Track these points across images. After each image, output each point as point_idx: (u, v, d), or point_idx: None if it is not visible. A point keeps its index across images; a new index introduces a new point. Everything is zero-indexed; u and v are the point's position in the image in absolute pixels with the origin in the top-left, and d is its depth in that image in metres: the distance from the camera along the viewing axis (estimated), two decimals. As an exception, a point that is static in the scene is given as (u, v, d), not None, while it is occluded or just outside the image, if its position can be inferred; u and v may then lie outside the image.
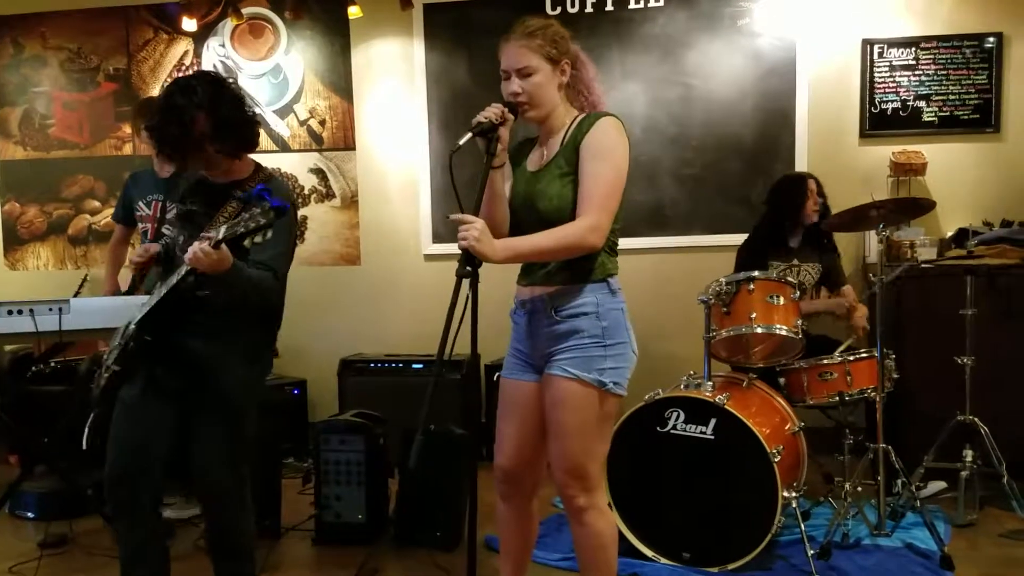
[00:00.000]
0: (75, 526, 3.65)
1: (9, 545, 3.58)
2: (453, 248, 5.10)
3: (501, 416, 2.38)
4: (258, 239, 2.18)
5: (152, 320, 2.45)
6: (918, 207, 3.51)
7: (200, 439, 2.52)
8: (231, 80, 2.55)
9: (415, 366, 4.68)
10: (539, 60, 2.20)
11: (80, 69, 5.44)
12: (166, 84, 2.61)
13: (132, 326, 2.48)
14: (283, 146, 5.30)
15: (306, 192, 5.29)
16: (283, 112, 5.28)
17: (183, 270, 2.33)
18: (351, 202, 5.27)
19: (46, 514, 3.81)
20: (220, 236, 2.19)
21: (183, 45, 5.33)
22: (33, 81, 5.49)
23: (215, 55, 5.31)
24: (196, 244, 2.21)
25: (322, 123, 5.25)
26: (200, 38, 5.29)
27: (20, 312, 4.50)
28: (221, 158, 2.50)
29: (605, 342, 2.20)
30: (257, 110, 2.59)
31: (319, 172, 5.28)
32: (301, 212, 5.29)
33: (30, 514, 3.92)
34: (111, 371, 2.48)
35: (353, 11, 4.91)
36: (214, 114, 2.42)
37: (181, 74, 5.30)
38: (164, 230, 2.71)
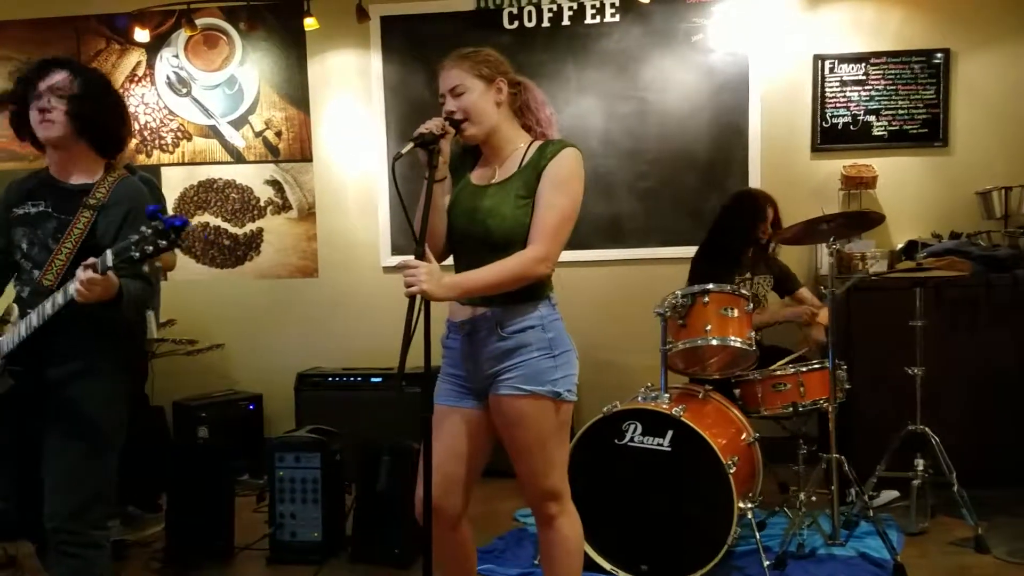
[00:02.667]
0: (21, 547, 3.54)
1: (-48, 569, 3.48)
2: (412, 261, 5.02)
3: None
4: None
5: (17, 353, 2.28)
6: (868, 220, 3.57)
7: (56, 465, 2.31)
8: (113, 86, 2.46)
9: (373, 380, 4.64)
10: (470, 79, 2.24)
11: (28, 79, 5.32)
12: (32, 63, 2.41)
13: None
14: (238, 157, 5.24)
15: (262, 204, 5.23)
16: (238, 123, 5.22)
17: (60, 299, 2.17)
18: (308, 214, 5.22)
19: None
20: (110, 263, 2.04)
21: (135, 56, 5.25)
22: (-21, 91, 5.36)
23: (168, 66, 5.23)
24: (81, 274, 2.06)
25: (278, 134, 5.20)
26: (153, 49, 5.22)
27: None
28: (86, 152, 2.38)
29: (553, 352, 2.23)
30: (135, 125, 2.49)
31: (275, 184, 5.23)
32: (258, 223, 5.24)
33: (-26, 536, 3.81)
34: None
35: (309, 23, 4.88)
36: (87, 83, 2.33)
37: (133, 84, 5.23)
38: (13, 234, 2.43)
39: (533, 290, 2.23)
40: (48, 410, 2.32)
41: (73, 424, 2.31)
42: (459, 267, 2.27)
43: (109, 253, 2.05)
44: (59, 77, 2.32)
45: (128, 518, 3.82)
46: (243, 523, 3.69)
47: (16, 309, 2.34)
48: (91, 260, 2.08)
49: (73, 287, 2.10)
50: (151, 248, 1.99)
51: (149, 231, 1.99)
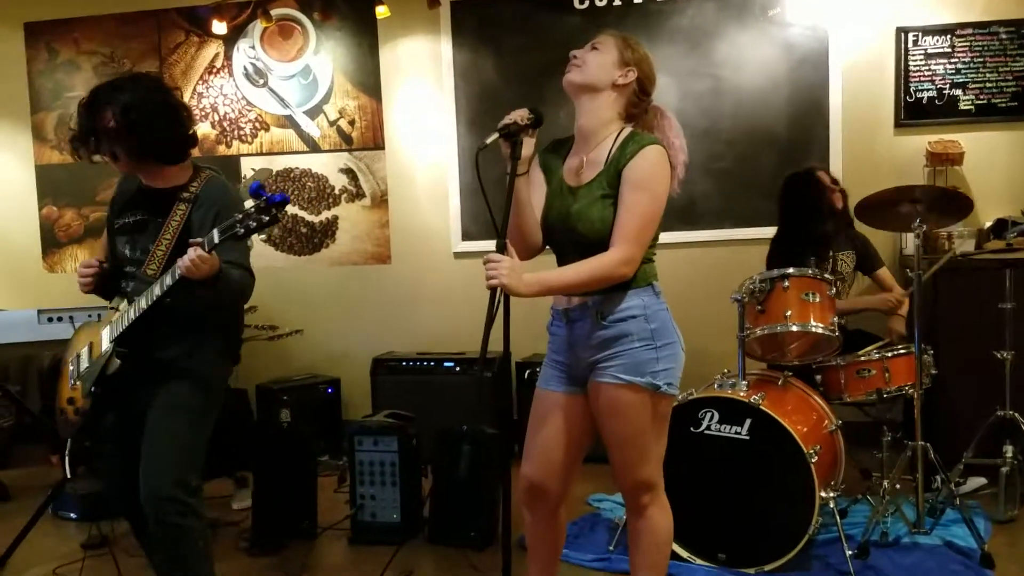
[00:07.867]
0: (117, 527, 3.70)
1: (53, 546, 3.66)
2: (482, 246, 5.06)
3: (532, 427, 2.34)
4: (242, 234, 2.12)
5: (126, 337, 2.40)
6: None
7: (160, 436, 2.41)
8: (174, 89, 2.53)
9: (446, 364, 4.69)
10: (613, 47, 2.24)
11: (113, 73, 5.48)
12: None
13: (108, 345, 2.42)
14: (313, 147, 5.33)
15: (336, 192, 5.32)
16: (313, 113, 5.31)
17: (168, 281, 2.26)
18: (381, 201, 5.29)
19: (88, 515, 3.86)
20: (216, 240, 2.13)
21: (214, 48, 5.37)
22: (67, 86, 5.56)
23: (245, 57, 5.34)
24: (191, 251, 2.15)
25: (351, 123, 5.27)
26: (230, 40, 5.33)
27: (60, 319, 4.62)
28: (159, 166, 2.47)
29: (656, 343, 2.19)
30: (196, 129, 2.55)
31: (349, 172, 5.31)
32: (333, 211, 5.33)
33: (73, 515, 3.99)
34: (90, 394, 2.44)
35: (381, 11, 4.92)
36: (127, 116, 2.37)
37: (212, 76, 5.36)
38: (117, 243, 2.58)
39: (634, 277, 2.20)
40: (154, 388, 2.44)
41: (177, 399, 2.44)
42: (560, 266, 2.26)
43: (216, 231, 2.14)
44: (106, 118, 2.38)
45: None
46: (324, 504, 3.79)
47: (124, 301, 2.47)
48: (197, 239, 2.17)
49: (181, 265, 2.19)
50: (254, 223, 2.08)
51: (252, 208, 2.08)
